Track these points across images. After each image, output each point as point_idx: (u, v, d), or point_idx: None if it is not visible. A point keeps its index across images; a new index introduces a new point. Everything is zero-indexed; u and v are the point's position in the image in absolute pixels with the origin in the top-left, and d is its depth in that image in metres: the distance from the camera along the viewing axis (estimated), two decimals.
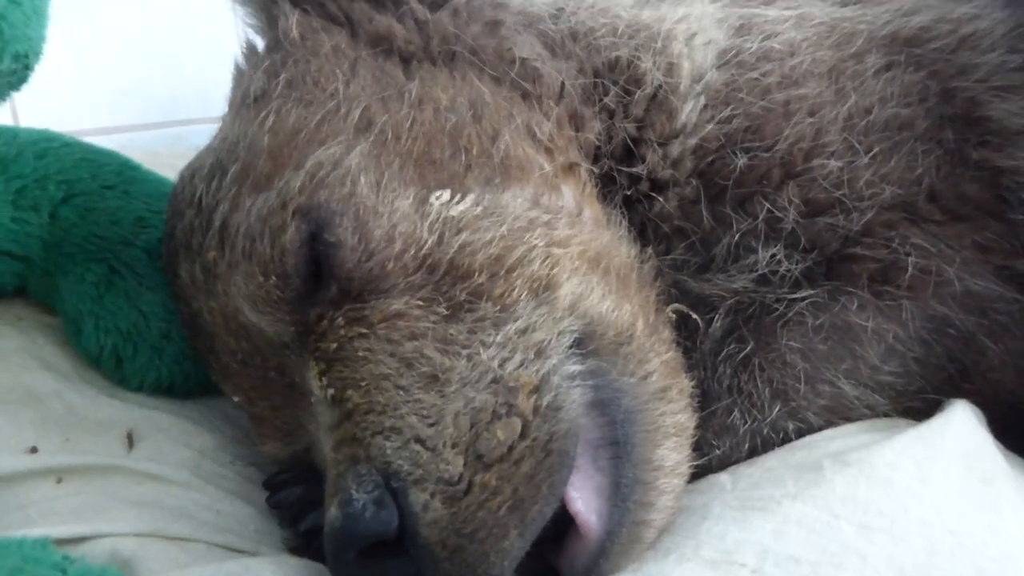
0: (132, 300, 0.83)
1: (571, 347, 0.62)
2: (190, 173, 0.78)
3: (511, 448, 0.56)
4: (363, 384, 0.61)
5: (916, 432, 0.71)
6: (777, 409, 0.76)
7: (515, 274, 0.64)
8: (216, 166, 0.74)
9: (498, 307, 0.63)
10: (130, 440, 0.78)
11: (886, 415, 0.79)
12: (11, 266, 0.83)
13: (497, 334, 0.61)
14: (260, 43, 0.88)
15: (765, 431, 0.76)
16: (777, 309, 0.79)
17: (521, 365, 0.59)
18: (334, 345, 0.64)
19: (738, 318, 0.79)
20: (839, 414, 0.77)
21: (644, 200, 0.84)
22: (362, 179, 0.67)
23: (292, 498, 0.76)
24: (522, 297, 0.63)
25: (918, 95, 0.84)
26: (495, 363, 0.59)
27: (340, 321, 0.65)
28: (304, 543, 0.73)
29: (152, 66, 1.63)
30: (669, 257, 0.80)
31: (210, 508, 0.74)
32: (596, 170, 0.79)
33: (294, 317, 0.67)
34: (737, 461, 0.74)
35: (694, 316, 0.76)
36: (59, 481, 0.73)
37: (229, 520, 0.73)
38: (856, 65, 0.86)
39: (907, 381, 0.78)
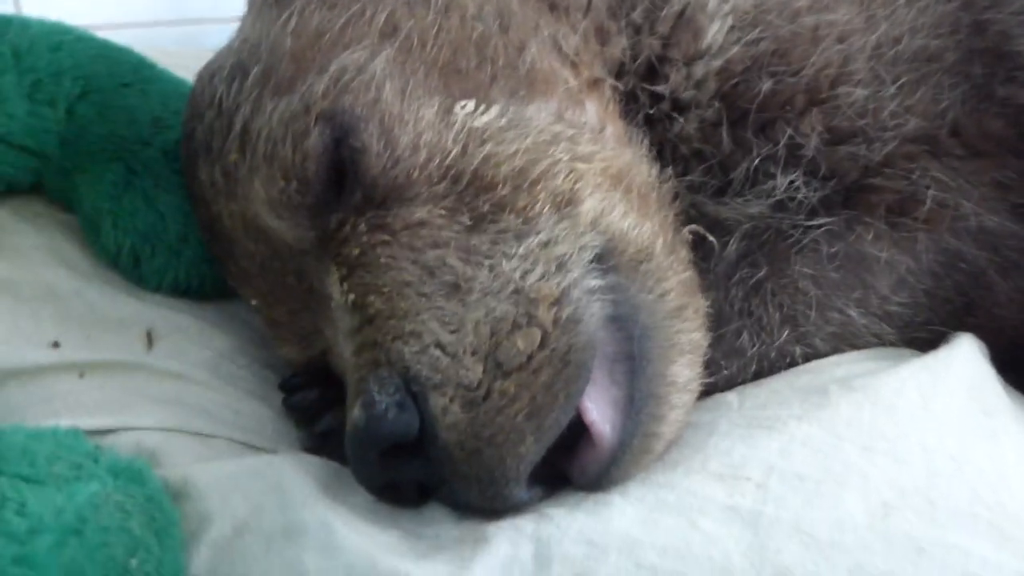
0: (150, 201, 0.82)
1: (592, 262, 0.62)
2: (209, 74, 0.77)
3: (530, 357, 0.57)
4: (385, 290, 0.62)
5: (922, 362, 0.72)
6: (786, 334, 0.77)
7: (538, 187, 0.64)
8: (237, 67, 0.73)
9: (521, 219, 0.63)
10: (149, 339, 0.79)
11: (891, 344, 0.80)
12: (28, 161, 0.83)
13: (519, 246, 0.62)
14: None
15: (773, 355, 0.77)
16: (792, 235, 0.79)
17: (542, 277, 0.60)
18: (356, 251, 0.64)
19: (753, 243, 0.80)
20: (846, 341, 0.79)
21: (665, 120, 0.83)
22: (388, 85, 0.67)
23: (307, 400, 0.78)
24: (545, 210, 0.63)
25: (949, 26, 0.83)
26: (517, 274, 0.60)
27: (362, 227, 0.65)
28: (319, 444, 0.75)
29: None
30: (687, 179, 0.79)
31: (229, 407, 0.75)
32: (620, 87, 0.78)
33: (315, 223, 0.67)
34: (744, 382, 0.76)
35: (710, 238, 0.76)
36: (82, 375, 0.75)
37: (248, 419, 0.75)
38: None
39: (915, 312, 0.80)
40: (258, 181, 0.68)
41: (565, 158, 0.66)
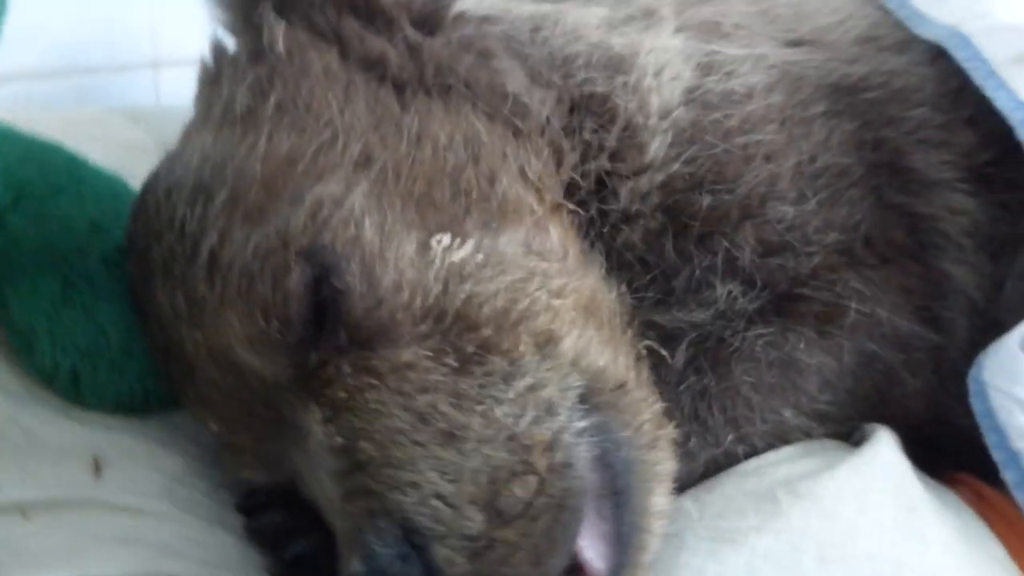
0: (90, 314, 0.78)
1: (576, 403, 0.65)
2: (165, 190, 0.74)
3: (529, 504, 0.60)
4: (377, 437, 0.62)
5: (852, 464, 0.80)
6: (730, 437, 0.83)
7: (520, 328, 0.67)
8: (199, 189, 0.71)
9: (506, 361, 0.65)
10: (97, 466, 0.75)
11: (817, 438, 0.88)
12: None
13: (508, 390, 0.64)
14: (229, 41, 0.84)
15: (719, 457, 0.83)
16: (733, 344, 0.85)
17: (534, 422, 0.63)
18: (342, 394, 0.64)
19: (698, 351, 0.85)
20: (780, 438, 0.86)
21: (611, 229, 0.87)
22: (366, 222, 0.67)
23: (273, 524, 0.76)
24: (528, 351, 0.66)
25: (854, 144, 0.92)
26: (509, 420, 0.62)
27: (347, 369, 0.65)
28: (288, 572, 0.74)
29: (53, 4, 1.48)
30: (637, 293, 0.84)
31: (192, 540, 0.73)
32: (578, 210, 0.82)
33: (293, 360, 0.67)
34: (692, 484, 0.81)
35: (663, 352, 0.81)
36: (25, 516, 0.70)
37: (213, 552, 0.73)
38: (803, 112, 0.92)
39: (838, 409, 0.88)
40: (232, 316, 0.67)
41: (543, 297, 0.68)
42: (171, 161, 0.78)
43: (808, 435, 0.87)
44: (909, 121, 0.93)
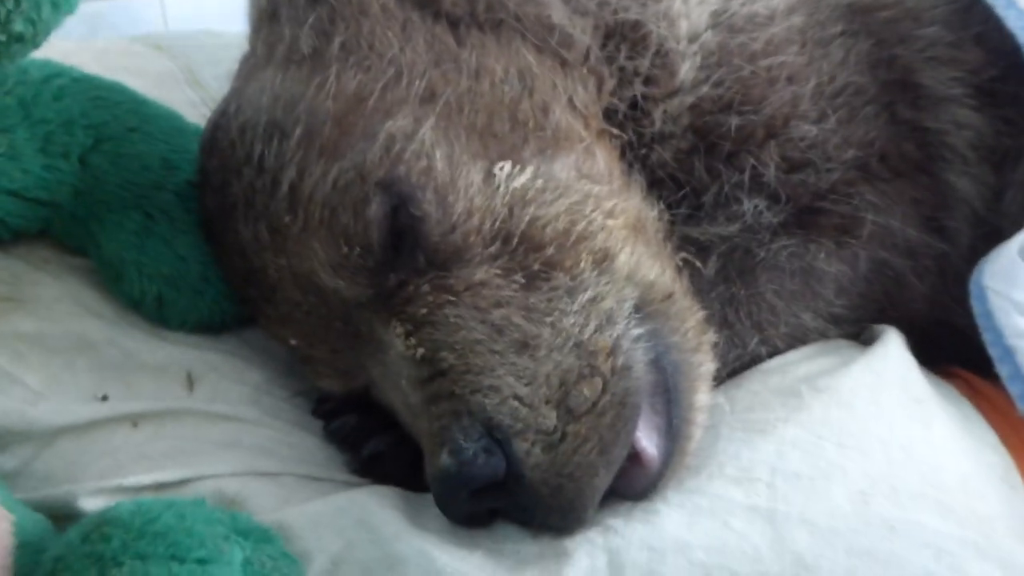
0: (170, 244, 0.85)
1: (631, 312, 0.73)
2: (238, 128, 0.79)
3: (595, 403, 0.68)
4: (457, 347, 0.70)
5: (865, 362, 0.88)
6: (755, 339, 0.92)
7: (581, 246, 0.74)
8: (273, 126, 0.77)
9: (569, 277, 0.73)
10: (190, 381, 0.83)
11: (832, 338, 0.97)
12: (38, 211, 0.82)
13: (572, 303, 0.71)
14: None
15: (746, 358, 0.92)
16: (759, 254, 0.93)
17: (596, 331, 0.70)
18: (423, 310, 0.72)
19: (727, 261, 0.93)
20: (799, 340, 0.94)
21: (645, 151, 0.94)
22: (437, 153, 0.73)
23: (348, 426, 0.85)
24: (587, 267, 0.73)
25: (869, 63, 0.97)
26: (576, 330, 0.70)
27: (426, 288, 0.72)
28: (367, 467, 0.83)
29: None
30: (665, 204, 0.91)
31: (282, 442, 0.82)
32: (619, 133, 0.88)
33: (373, 281, 0.74)
34: (721, 381, 0.90)
35: (697, 264, 0.89)
36: (135, 426, 0.79)
37: (301, 451, 0.82)
38: (821, 32, 0.97)
39: (851, 312, 0.96)
40: (316, 243, 0.73)
41: (598, 218, 0.75)
42: (237, 99, 0.83)
43: (824, 336, 0.96)
44: (921, 39, 0.97)
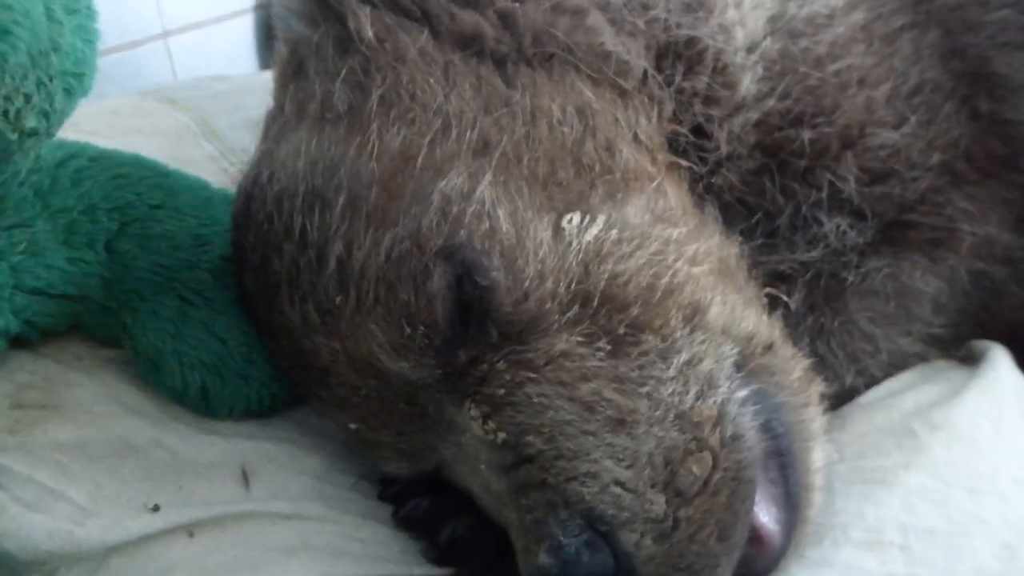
0: (209, 328, 0.78)
1: (733, 371, 0.65)
2: (274, 199, 0.72)
3: (706, 481, 0.60)
4: (544, 430, 0.62)
5: (979, 388, 0.80)
6: (852, 372, 0.84)
7: (668, 302, 0.66)
8: (313, 195, 0.69)
9: (659, 338, 0.65)
10: (245, 477, 0.76)
11: (929, 359, 0.88)
12: (66, 307, 0.76)
13: (668, 368, 0.63)
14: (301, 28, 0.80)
15: (843, 393, 0.83)
16: (848, 279, 0.85)
17: (698, 398, 0.63)
18: (501, 391, 0.64)
19: (812, 290, 0.85)
20: (896, 367, 0.86)
21: (708, 177, 0.86)
22: (499, 212, 0.66)
23: (420, 510, 0.78)
24: (678, 325, 0.65)
25: (940, 55, 0.89)
26: (675, 399, 0.62)
27: (501, 365, 0.65)
28: (445, 554, 0.76)
29: None
30: (737, 234, 0.83)
31: (353, 538, 0.74)
32: (685, 163, 0.80)
33: (440, 360, 0.66)
34: None
35: (784, 298, 0.81)
36: (191, 536, 0.71)
37: (375, 547, 0.74)
38: (885, 27, 0.89)
39: (950, 331, 0.88)
40: (373, 324, 0.66)
41: (683, 267, 0.67)
42: (268, 164, 0.76)
43: (923, 359, 0.88)
44: (991, 25, 0.90)
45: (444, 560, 0.75)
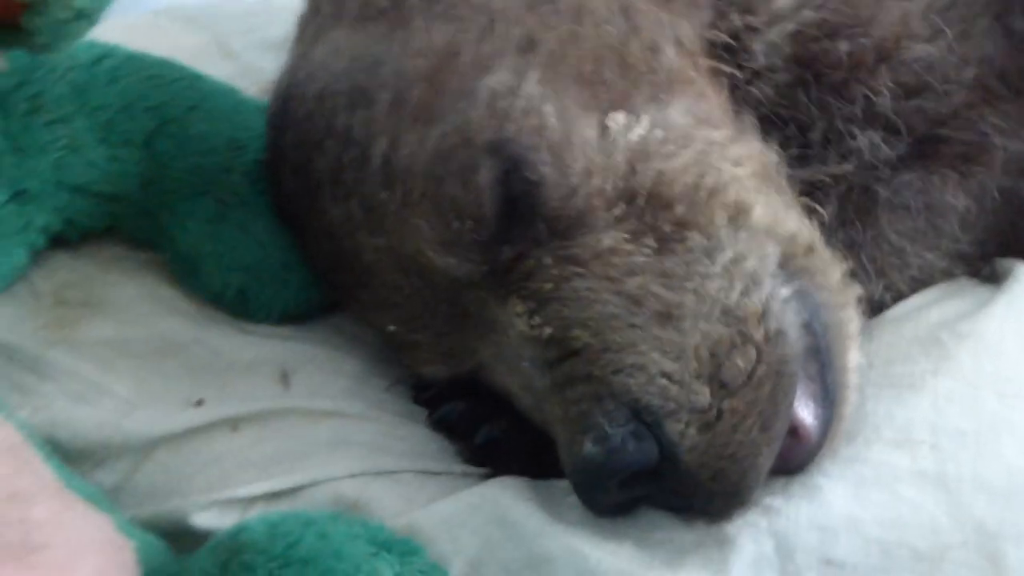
0: (247, 232, 0.78)
1: (776, 270, 0.66)
2: (315, 97, 0.72)
3: (751, 374, 0.62)
4: (591, 324, 0.63)
5: (1005, 301, 0.81)
6: (881, 286, 0.85)
7: (713, 201, 0.66)
8: (356, 92, 0.69)
9: (704, 236, 0.65)
10: (285, 377, 0.77)
11: (956, 277, 0.89)
12: (105, 207, 0.76)
13: (713, 265, 0.64)
14: None
15: (871, 306, 0.85)
16: (879, 192, 0.85)
17: (743, 294, 0.63)
18: (548, 285, 0.65)
19: (845, 203, 0.85)
20: (923, 283, 0.87)
21: (744, 87, 0.85)
22: (546, 108, 0.66)
23: (456, 413, 0.79)
24: (722, 224, 0.66)
25: None
26: (721, 295, 0.63)
27: (548, 260, 0.65)
28: (480, 456, 0.77)
29: None
30: (789, 152, 0.83)
31: (392, 436, 0.76)
32: (726, 69, 0.79)
33: (486, 256, 0.67)
34: None
35: (819, 209, 0.81)
36: (235, 430, 0.73)
37: (413, 444, 0.76)
38: None
39: (976, 248, 0.89)
40: (419, 219, 0.66)
41: (727, 168, 0.68)
42: (306, 64, 0.75)
43: (948, 276, 0.88)
44: None
45: (479, 461, 0.77)
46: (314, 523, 0.54)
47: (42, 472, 0.54)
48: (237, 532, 0.54)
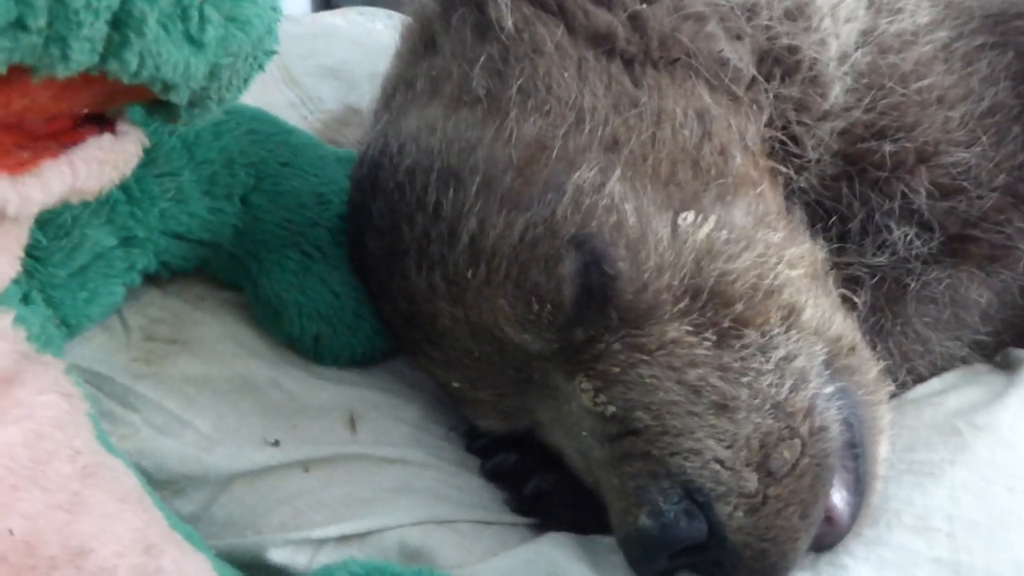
0: (326, 282, 0.84)
1: (822, 369, 0.72)
2: (406, 171, 0.77)
3: (795, 465, 0.68)
4: (653, 408, 0.69)
5: (1018, 393, 0.88)
6: (904, 371, 0.91)
7: (769, 302, 0.73)
8: (448, 172, 0.75)
9: (759, 334, 0.72)
10: (352, 422, 0.83)
11: (972, 362, 0.96)
12: (199, 252, 0.81)
13: (766, 362, 0.70)
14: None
15: (894, 389, 0.91)
16: (909, 284, 0.92)
17: (792, 391, 0.70)
18: (615, 369, 0.71)
19: (877, 293, 0.92)
20: (942, 368, 0.94)
21: (792, 180, 0.91)
22: (626, 207, 0.71)
23: (507, 464, 0.85)
24: (776, 324, 0.72)
25: (1011, 77, 0.94)
26: (772, 391, 0.69)
27: (617, 346, 0.71)
28: (529, 506, 0.83)
29: None
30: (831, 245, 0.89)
31: (450, 484, 0.82)
32: (782, 168, 0.85)
33: (559, 336, 0.73)
34: None
35: (855, 299, 0.88)
36: (306, 471, 0.78)
37: (469, 494, 0.82)
38: (965, 46, 0.94)
39: (993, 338, 0.95)
40: (501, 299, 0.72)
41: (784, 270, 0.74)
42: (396, 135, 0.80)
43: (965, 362, 0.95)
44: None
45: (528, 511, 0.83)
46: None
47: (161, 520, 0.59)
48: None
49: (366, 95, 1.06)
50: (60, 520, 0.48)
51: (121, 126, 0.57)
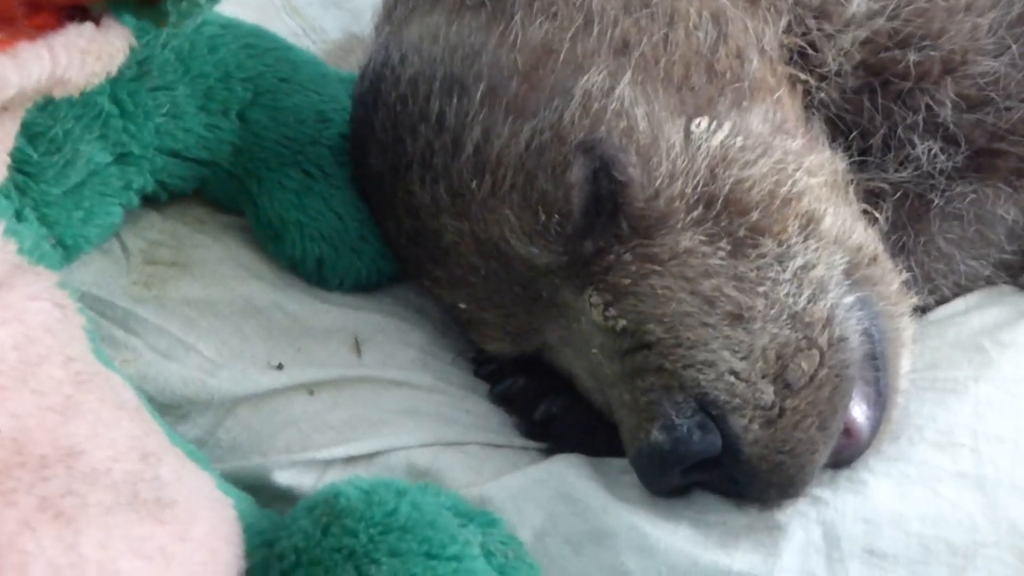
0: (328, 202, 0.81)
1: (841, 278, 0.70)
2: (408, 82, 0.74)
3: (813, 376, 0.66)
4: (666, 320, 0.67)
5: None
6: (927, 290, 0.88)
7: (787, 210, 0.70)
8: (452, 80, 0.72)
9: (776, 243, 0.69)
10: (357, 346, 0.81)
11: (996, 283, 0.93)
12: (197, 171, 0.79)
13: (783, 271, 0.68)
14: None
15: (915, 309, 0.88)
16: (933, 200, 0.88)
17: (811, 300, 0.67)
18: (626, 280, 0.68)
19: (899, 209, 0.89)
20: (965, 288, 0.91)
21: (812, 91, 0.88)
22: (637, 111, 0.68)
23: (516, 388, 0.83)
24: (794, 232, 0.69)
25: None
26: (790, 300, 0.67)
27: (628, 257, 0.69)
28: (538, 430, 0.82)
29: None
30: (852, 158, 0.85)
31: (458, 408, 0.80)
32: (801, 74, 0.82)
33: (567, 248, 0.70)
34: None
35: (876, 214, 0.84)
36: (311, 394, 0.77)
37: (478, 417, 0.80)
38: None
39: (1019, 258, 0.92)
40: (507, 209, 0.70)
41: (802, 177, 0.71)
42: (398, 46, 0.77)
43: (990, 282, 0.92)
44: None
45: (537, 435, 0.82)
46: (406, 493, 0.58)
47: (160, 432, 0.58)
48: (333, 496, 0.58)
49: (369, 25, 1.04)
50: (51, 421, 0.47)
51: (106, 20, 0.54)
